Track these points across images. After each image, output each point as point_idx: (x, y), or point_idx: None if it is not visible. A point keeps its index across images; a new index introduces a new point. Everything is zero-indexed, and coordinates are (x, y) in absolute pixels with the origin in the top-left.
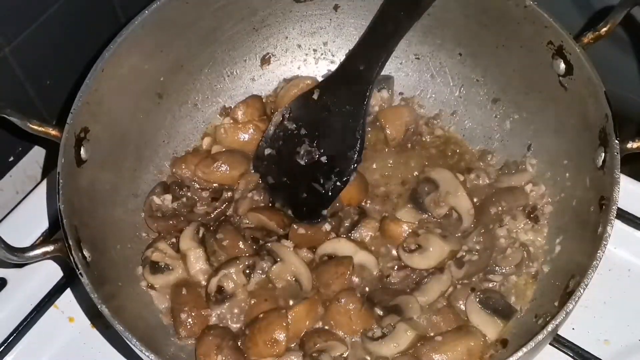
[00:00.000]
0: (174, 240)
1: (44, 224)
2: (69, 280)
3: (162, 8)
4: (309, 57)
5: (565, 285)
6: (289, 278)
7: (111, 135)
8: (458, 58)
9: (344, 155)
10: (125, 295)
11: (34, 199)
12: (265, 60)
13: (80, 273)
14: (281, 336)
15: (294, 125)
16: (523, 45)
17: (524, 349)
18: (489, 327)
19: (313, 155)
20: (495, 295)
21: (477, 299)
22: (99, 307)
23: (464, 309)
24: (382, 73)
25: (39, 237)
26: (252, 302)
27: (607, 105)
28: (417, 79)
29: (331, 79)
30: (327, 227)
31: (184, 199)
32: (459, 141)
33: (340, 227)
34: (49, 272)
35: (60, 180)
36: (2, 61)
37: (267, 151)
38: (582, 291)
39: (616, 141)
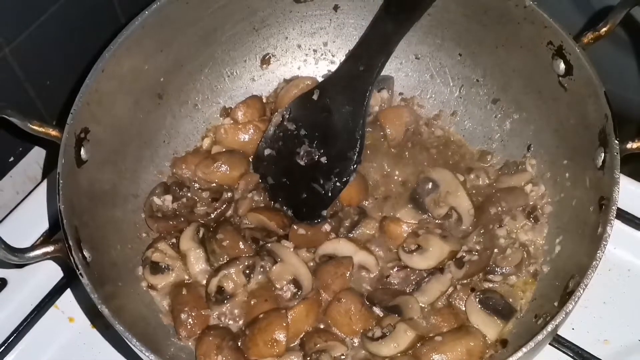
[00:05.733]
0: (174, 240)
1: (44, 225)
2: (69, 280)
3: (162, 8)
4: (309, 57)
5: (565, 285)
6: (289, 278)
7: (111, 135)
8: (458, 58)
9: (344, 155)
10: (126, 295)
11: (34, 199)
12: (265, 61)
13: (80, 273)
14: (281, 336)
15: (294, 125)
16: (523, 45)
17: (524, 349)
18: (489, 327)
19: (313, 155)
20: (495, 296)
21: (477, 299)
22: (99, 307)
23: (464, 309)
24: (382, 73)
25: (39, 238)
26: (252, 302)
27: (606, 105)
28: (417, 79)
29: (331, 80)
30: (327, 227)
31: (184, 200)
32: (459, 141)
33: (340, 227)
34: (49, 273)
35: (61, 181)
36: (2, 61)
37: (267, 152)
38: (581, 291)
39: (616, 141)
